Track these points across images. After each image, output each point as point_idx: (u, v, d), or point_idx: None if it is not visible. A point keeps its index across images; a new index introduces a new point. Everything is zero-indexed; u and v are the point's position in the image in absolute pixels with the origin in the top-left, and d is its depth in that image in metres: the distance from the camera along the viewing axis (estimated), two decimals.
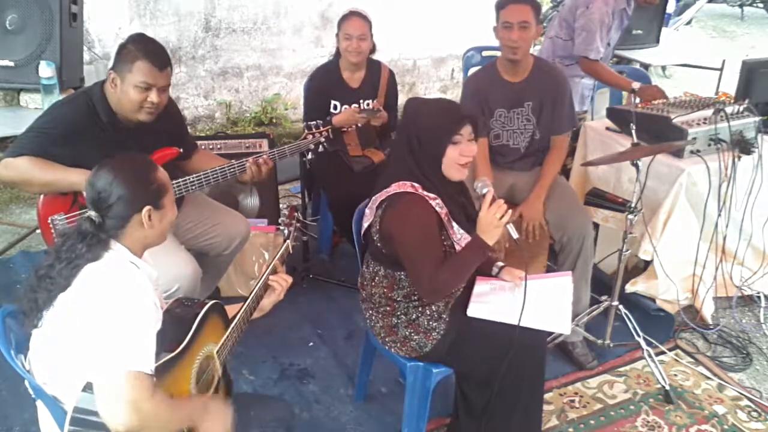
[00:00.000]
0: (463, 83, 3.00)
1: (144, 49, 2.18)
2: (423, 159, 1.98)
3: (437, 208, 1.97)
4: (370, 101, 3.21)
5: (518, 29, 2.64)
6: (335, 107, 3.17)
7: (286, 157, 2.64)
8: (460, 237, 2.01)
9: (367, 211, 2.10)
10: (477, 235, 1.96)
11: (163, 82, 2.21)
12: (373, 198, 2.06)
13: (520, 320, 1.95)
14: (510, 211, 1.96)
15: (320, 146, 2.71)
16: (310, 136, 2.69)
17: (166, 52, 2.24)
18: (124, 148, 2.05)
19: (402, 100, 6.23)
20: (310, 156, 2.72)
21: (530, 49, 2.76)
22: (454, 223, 2.01)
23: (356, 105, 3.15)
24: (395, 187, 1.98)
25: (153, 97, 2.18)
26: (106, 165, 1.57)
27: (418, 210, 1.95)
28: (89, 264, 1.50)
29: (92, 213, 1.55)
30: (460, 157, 1.97)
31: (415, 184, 1.97)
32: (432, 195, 1.97)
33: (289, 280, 1.89)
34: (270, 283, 1.85)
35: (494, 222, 1.93)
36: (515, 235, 1.98)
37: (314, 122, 2.73)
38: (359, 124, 3.16)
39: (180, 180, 2.31)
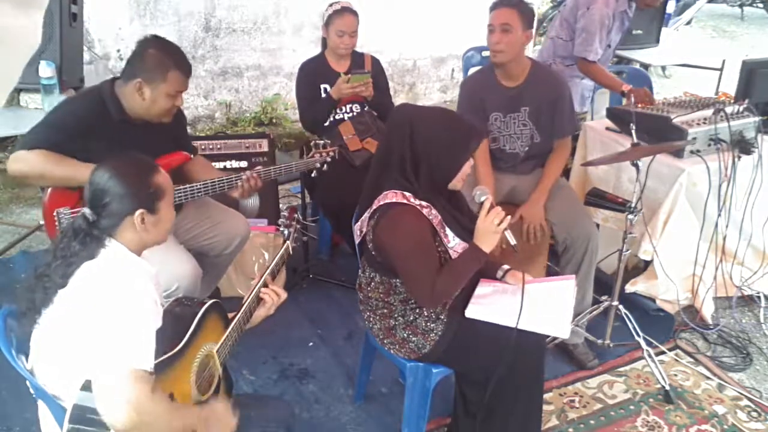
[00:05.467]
0: (460, 85, 2.99)
1: (173, 58, 2.22)
2: (426, 171, 1.96)
3: (429, 217, 1.96)
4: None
5: (499, 32, 2.62)
6: (325, 91, 3.18)
7: (292, 173, 2.71)
8: (454, 244, 2.01)
9: (358, 223, 2.10)
10: (474, 243, 1.96)
11: (187, 86, 2.28)
12: (366, 206, 2.06)
13: (517, 323, 1.95)
14: (509, 217, 1.96)
15: (325, 165, 2.73)
16: (318, 155, 2.70)
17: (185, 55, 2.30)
18: (133, 146, 2.05)
19: (403, 100, 6.24)
20: (314, 174, 2.74)
21: (520, 54, 2.72)
22: (447, 230, 2.00)
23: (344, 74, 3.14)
24: (385, 197, 1.96)
25: (179, 101, 2.27)
26: (107, 163, 1.56)
27: (410, 221, 1.93)
28: (86, 262, 1.50)
29: (87, 210, 1.55)
30: (468, 169, 1.99)
31: (407, 194, 1.95)
32: (424, 204, 1.96)
33: (282, 295, 1.86)
34: (261, 296, 1.83)
35: (492, 228, 1.93)
36: (513, 241, 1.97)
37: (322, 142, 2.75)
38: (354, 112, 3.19)
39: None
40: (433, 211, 1.97)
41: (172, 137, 2.44)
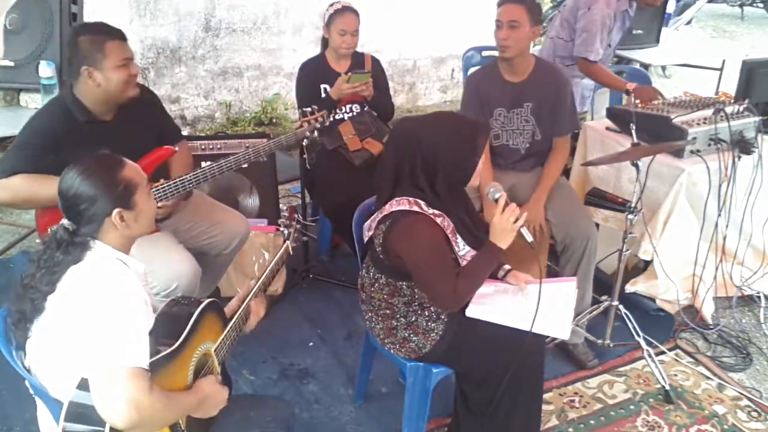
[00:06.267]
0: (465, 81, 2.99)
1: (102, 31, 2.18)
2: (443, 179, 1.95)
3: (442, 226, 1.97)
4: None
5: (507, 28, 2.64)
6: (325, 91, 3.18)
7: (283, 147, 2.61)
8: (464, 252, 2.02)
9: (368, 223, 2.09)
10: (490, 241, 1.97)
11: (131, 52, 2.23)
12: (374, 209, 2.05)
13: (532, 326, 1.95)
14: (525, 214, 1.97)
15: (315, 132, 2.68)
16: (306, 124, 2.67)
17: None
18: (107, 145, 2.05)
19: (403, 100, 6.23)
20: (305, 143, 2.69)
21: (527, 50, 2.74)
22: (458, 238, 2.01)
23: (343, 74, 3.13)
24: (397, 204, 1.95)
25: (133, 69, 2.22)
26: (71, 169, 1.55)
27: (425, 229, 1.93)
28: (72, 266, 1.50)
29: (65, 221, 1.54)
30: (481, 165, 2.00)
31: (420, 201, 1.95)
32: (437, 212, 1.96)
33: (261, 313, 1.86)
34: (252, 309, 1.84)
35: (508, 227, 1.94)
36: (529, 238, 1.98)
37: (309, 108, 2.71)
38: (352, 111, 3.19)
39: None
40: (446, 221, 1.98)
41: (147, 131, 2.36)
